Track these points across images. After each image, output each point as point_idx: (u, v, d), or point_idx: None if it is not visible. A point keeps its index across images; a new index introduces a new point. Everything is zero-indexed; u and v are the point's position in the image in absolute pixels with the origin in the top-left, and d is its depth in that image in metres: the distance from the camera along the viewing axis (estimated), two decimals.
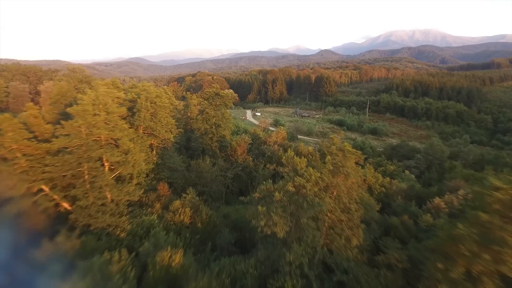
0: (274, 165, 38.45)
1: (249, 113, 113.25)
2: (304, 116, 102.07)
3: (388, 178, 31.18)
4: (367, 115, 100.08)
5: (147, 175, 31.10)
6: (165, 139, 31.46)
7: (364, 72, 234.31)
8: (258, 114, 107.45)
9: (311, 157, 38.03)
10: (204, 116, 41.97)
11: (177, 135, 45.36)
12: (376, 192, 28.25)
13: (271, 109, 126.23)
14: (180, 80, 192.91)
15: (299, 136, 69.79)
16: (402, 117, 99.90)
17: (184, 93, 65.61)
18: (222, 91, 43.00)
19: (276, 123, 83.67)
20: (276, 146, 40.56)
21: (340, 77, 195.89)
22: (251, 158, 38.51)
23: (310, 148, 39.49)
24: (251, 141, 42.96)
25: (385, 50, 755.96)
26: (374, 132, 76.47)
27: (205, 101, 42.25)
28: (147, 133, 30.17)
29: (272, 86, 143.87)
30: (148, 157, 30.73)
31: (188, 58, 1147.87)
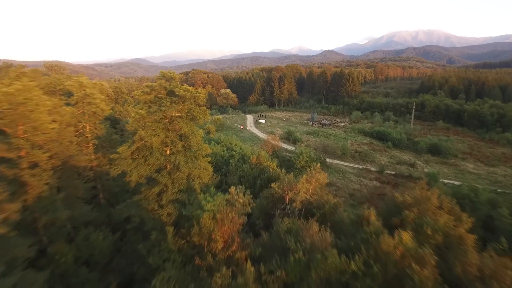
0: None
1: (250, 119, 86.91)
2: (325, 125, 75.96)
3: None
4: (411, 123, 73.11)
5: None
6: None
7: (379, 70, 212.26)
8: (262, 121, 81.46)
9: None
10: (139, 146, 17.59)
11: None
12: None
13: (278, 113, 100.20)
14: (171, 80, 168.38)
15: (328, 160, 45.10)
16: (459, 126, 73.38)
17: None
18: (186, 87, 18.48)
19: (289, 137, 58.45)
20: (315, 226, 15.77)
21: None
22: (251, 265, 13.98)
23: (407, 237, 14.68)
24: (252, 204, 18.24)
25: (389, 50, 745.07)
26: (435, 151, 51.26)
27: (141, 111, 17.78)
28: None
29: (279, 85, 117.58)
30: None
31: (190, 59, 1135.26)
